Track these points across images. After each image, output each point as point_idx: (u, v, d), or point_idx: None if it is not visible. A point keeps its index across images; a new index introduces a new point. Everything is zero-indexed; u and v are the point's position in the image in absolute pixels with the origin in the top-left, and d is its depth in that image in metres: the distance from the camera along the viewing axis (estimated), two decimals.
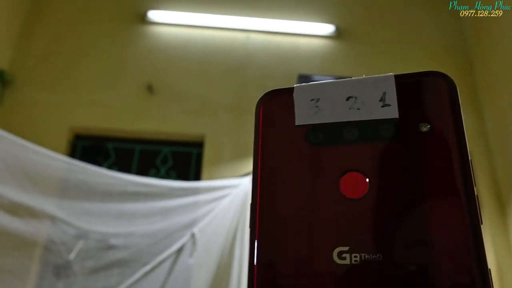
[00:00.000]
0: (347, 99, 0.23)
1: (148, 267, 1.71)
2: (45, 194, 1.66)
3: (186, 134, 2.39)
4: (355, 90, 0.23)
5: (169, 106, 2.39)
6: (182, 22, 2.60)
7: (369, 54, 2.62)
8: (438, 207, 0.20)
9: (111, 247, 1.73)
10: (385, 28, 2.71)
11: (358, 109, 0.23)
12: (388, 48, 2.64)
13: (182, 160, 2.37)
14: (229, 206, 1.88)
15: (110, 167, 2.20)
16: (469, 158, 0.21)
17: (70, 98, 2.37)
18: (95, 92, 2.40)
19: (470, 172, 0.20)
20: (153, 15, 2.58)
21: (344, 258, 0.20)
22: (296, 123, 0.23)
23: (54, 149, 1.74)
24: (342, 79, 0.23)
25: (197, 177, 2.28)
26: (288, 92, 0.24)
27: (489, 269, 0.19)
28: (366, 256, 0.20)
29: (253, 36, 2.62)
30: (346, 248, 0.20)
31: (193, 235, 1.79)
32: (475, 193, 0.20)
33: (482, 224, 0.20)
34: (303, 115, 0.23)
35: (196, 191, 1.94)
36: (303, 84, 0.24)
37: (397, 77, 0.23)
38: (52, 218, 1.65)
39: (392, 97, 0.22)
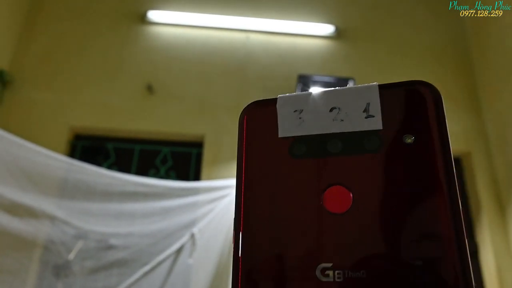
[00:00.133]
0: (331, 110, 0.22)
1: (147, 267, 1.71)
2: (45, 194, 1.66)
3: (185, 134, 2.39)
4: (338, 101, 0.22)
5: (169, 106, 2.39)
6: (182, 22, 2.60)
7: (369, 54, 2.62)
8: (423, 222, 0.20)
9: (110, 247, 1.74)
10: (385, 28, 2.71)
11: (342, 120, 0.22)
12: (388, 48, 2.63)
13: (182, 160, 2.37)
14: (229, 206, 1.88)
15: (110, 167, 2.21)
16: (454, 171, 0.20)
17: (70, 98, 2.37)
18: (94, 92, 2.40)
19: (455, 185, 0.20)
20: (153, 15, 2.58)
21: (327, 275, 0.20)
22: (279, 135, 0.23)
23: (54, 149, 1.75)
24: (326, 90, 0.23)
25: (196, 177, 2.28)
26: (272, 103, 0.24)
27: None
28: (350, 273, 0.19)
29: (253, 36, 2.62)
30: (330, 265, 0.20)
31: (192, 235, 1.79)
32: (460, 207, 0.20)
33: (467, 239, 0.19)
34: (286, 127, 0.23)
35: (195, 191, 1.94)
36: (286, 94, 0.24)
37: (381, 87, 0.22)
38: (52, 218, 1.65)
39: (376, 108, 0.22)
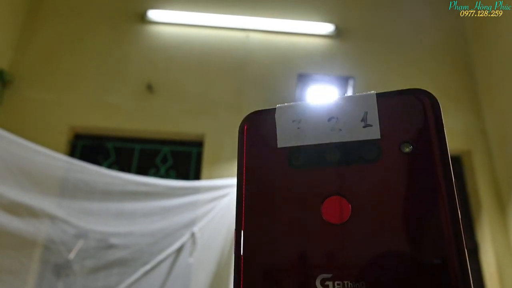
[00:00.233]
0: (329, 119, 0.22)
1: (148, 267, 1.72)
2: (45, 193, 1.66)
3: (186, 134, 2.39)
4: (336, 110, 0.22)
5: (169, 105, 2.39)
6: (181, 22, 2.60)
7: (368, 54, 2.61)
8: (423, 231, 0.19)
9: (111, 247, 1.74)
10: (385, 27, 2.70)
11: (340, 130, 0.22)
12: (388, 48, 2.63)
13: (182, 159, 2.37)
14: (229, 205, 1.88)
15: (110, 166, 2.21)
16: (453, 180, 0.20)
17: (70, 97, 2.37)
18: (94, 91, 2.40)
19: (454, 194, 0.20)
20: (153, 14, 2.58)
21: (327, 286, 0.20)
22: (278, 145, 0.23)
23: (54, 148, 1.75)
24: (324, 99, 0.23)
25: (197, 176, 2.28)
26: (272, 113, 0.24)
27: None
28: (349, 284, 0.19)
29: (253, 35, 2.61)
30: (329, 276, 0.20)
31: (193, 235, 1.79)
32: (459, 216, 0.20)
33: (466, 248, 0.19)
34: (285, 137, 0.23)
35: (196, 191, 1.94)
36: (284, 104, 0.24)
37: (379, 95, 0.22)
38: (52, 218, 1.65)
39: (373, 117, 0.22)
